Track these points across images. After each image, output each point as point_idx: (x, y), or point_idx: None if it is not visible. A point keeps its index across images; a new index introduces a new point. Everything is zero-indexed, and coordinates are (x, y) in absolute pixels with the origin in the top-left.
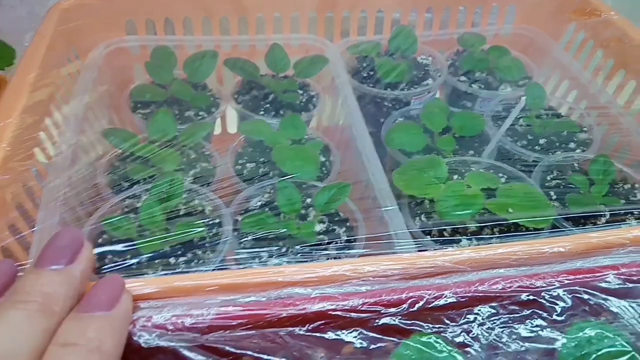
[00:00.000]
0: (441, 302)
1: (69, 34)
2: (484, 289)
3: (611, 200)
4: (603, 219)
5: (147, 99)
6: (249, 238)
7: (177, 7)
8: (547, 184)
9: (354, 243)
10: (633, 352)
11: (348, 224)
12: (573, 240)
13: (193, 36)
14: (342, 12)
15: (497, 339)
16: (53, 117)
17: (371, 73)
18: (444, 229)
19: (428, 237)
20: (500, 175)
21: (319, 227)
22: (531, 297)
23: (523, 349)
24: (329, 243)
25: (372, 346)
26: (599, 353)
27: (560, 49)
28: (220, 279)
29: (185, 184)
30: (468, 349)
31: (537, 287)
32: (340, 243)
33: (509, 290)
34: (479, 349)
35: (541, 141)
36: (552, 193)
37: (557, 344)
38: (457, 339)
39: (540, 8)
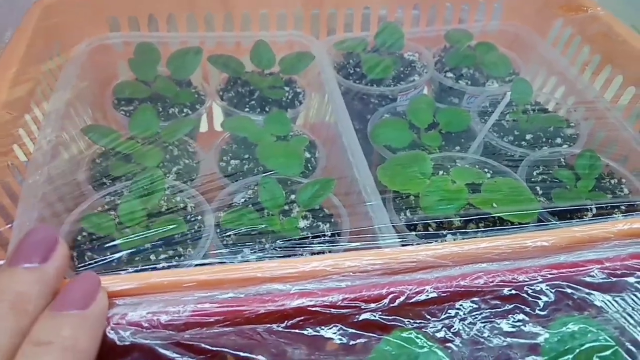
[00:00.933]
0: (422, 297)
1: (51, 31)
2: (465, 284)
3: (597, 195)
4: (589, 214)
5: (127, 95)
6: (231, 234)
7: (161, 4)
8: (533, 179)
9: (338, 238)
10: (616, 347)
11: (332, 219)
12: (557, 234)
13: (177, 33)
14: (329, 8)
15: (479, 334)
16: (33, 113)
17: (357, 69)
18: (429, 224)
19: (413, 232)
20: (486, 170)
21: (302, 223)
22: (514, 292)
23: (505, 344)
24: (313, 238)
25: (352, 342)
26: (582, 348)
27: (547, 45)
28: (197, 275)
29: (168, 181)
30: (449, 344)
31: (520, 282)
32: (325, 238)
33: (491, 284)
34: (460, 344)
35: (527, 136)
36: (538, 188)
37: (540, 339)
38: (438, 335)
39: (527, 4)
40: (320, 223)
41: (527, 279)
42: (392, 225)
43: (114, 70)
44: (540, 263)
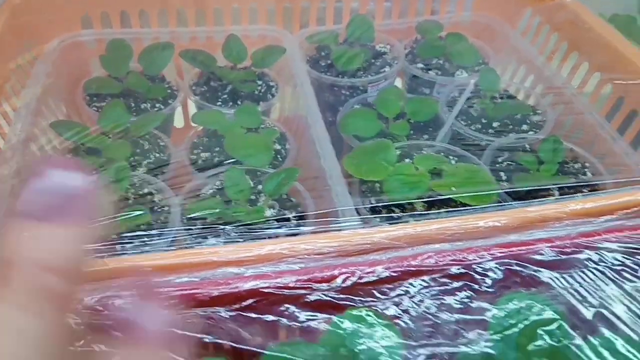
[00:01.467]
0: (373, 277)
1: (22, 29)
2: (416, 264)
3: (560, 179)
4: (552, 198)
5: (94, 90)
6: (197, 224)
7: (133, 0)
8: (497, 165)
9: (303, 227)
10: (561, 321)
11: (299, 208)
12: (509, 214)
13: (150, 29)
14: (301, 2)
15: (427, 310)
16: (2, 109)
17: (328, 62)
18: (392, 209)
19: (376, 217)
20: (452, 157)
21: (269, 213)
22: (463, 271)
23: (453, 319)
24: (278, 224)
25: (305, 322)
26: (528, 322)
27: (517, 34)
28: (155, 260)
29: (138, 174)
30: (398, 320)
31: (469, 261)
32: (290, 226)
33: (441, 264)
34: (409, 321)
35: (495, 124)
36: (502, 174)
37: (487, 315)
38: (388, 312)
39: None
40: (286, 211)
41: (476, 258)
42: (356, 210)
43: (87, 67)
44: (491, 242)
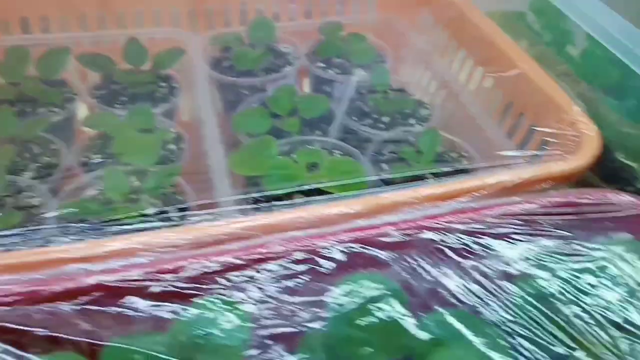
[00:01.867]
0: (220, 266)
1: None
2: (264, 251)
3: (436, 168)
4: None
5: None
6: (77, 225)
7: (33, 5)
8: (380, 158)
9: (182, 222)
10: (392, 298)
11: (182, 206)
12: (362, 202)
13: (52, 34)
14: (206, 5)
15: (270, 294)
16: None
17: (230, 63)
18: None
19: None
20: (338, 152)
21: (151, 211)
22: (308, 256)
23: (295, 301)
24: (159, 221)
25: (152, 313)
26: (362, 300)
27: (415, 33)
28: (5, 260)
29: (23, 179)
30: (242, 306)
31: (315, 246)
32: (170, 221)
33: (289, 250)
34: (252, 305)
35: (384, 119)
36: (384, 165)
37: (327, 295)
38: (234, 299)
39: None
40: (168, 210)
41: (323, 243)
42: (238, 204)
43: None
44: (339, 228)
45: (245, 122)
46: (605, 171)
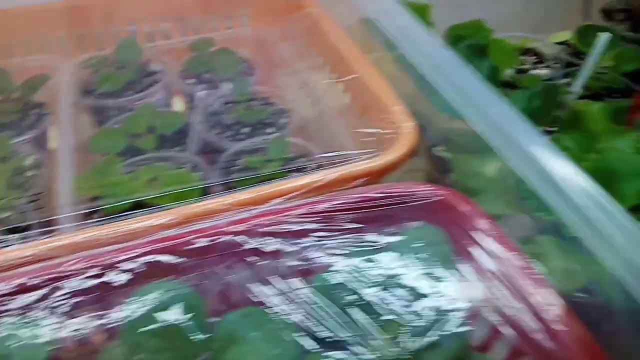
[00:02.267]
0: (12, 288)
1: None
2: (60, 270)
3: (283, 175)
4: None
5: None
6: None
7: None
8: (231, 169)
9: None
10: (182, 301)
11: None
12: (175, 212)
13: None
14: (79, 30)
15: (63, 311)
16: None
17: (99, 86)
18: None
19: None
20: (189, 165)
21: None
22: (103, 271)
23: (89, 317)
24: None
25: None
26: (153, 308)
27: (284, 44)
28: None
29: None
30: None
31: (116, 261)
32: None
33: (85, 267)
34: (47, 326)
35: (245, 130)
36: (235, 176)
37: (123, 308)
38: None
39: (268, 11)
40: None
41: (122, 257)
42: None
43: None
44: (144, 240)
45: (101, 143)
46: (435, 164)
